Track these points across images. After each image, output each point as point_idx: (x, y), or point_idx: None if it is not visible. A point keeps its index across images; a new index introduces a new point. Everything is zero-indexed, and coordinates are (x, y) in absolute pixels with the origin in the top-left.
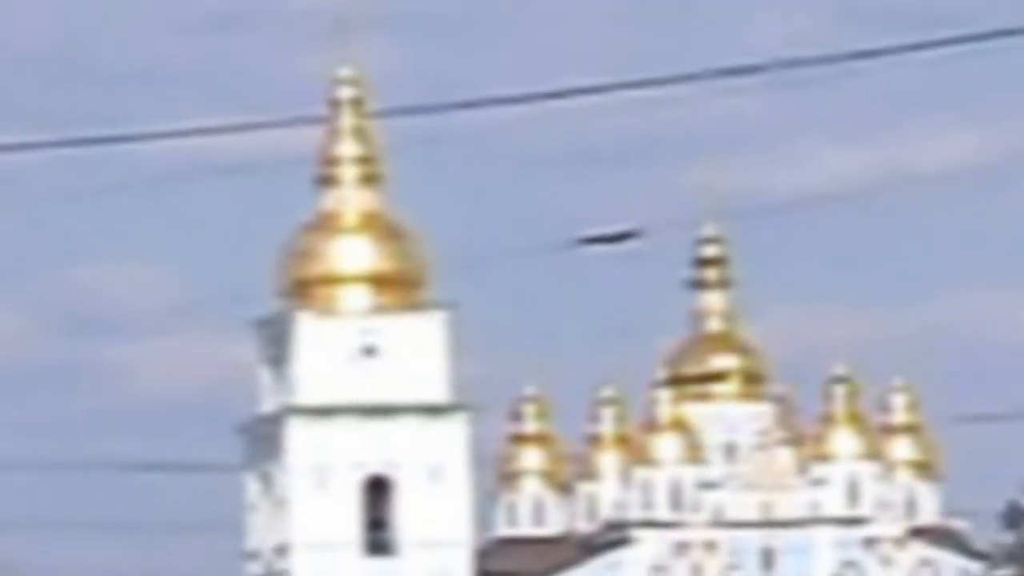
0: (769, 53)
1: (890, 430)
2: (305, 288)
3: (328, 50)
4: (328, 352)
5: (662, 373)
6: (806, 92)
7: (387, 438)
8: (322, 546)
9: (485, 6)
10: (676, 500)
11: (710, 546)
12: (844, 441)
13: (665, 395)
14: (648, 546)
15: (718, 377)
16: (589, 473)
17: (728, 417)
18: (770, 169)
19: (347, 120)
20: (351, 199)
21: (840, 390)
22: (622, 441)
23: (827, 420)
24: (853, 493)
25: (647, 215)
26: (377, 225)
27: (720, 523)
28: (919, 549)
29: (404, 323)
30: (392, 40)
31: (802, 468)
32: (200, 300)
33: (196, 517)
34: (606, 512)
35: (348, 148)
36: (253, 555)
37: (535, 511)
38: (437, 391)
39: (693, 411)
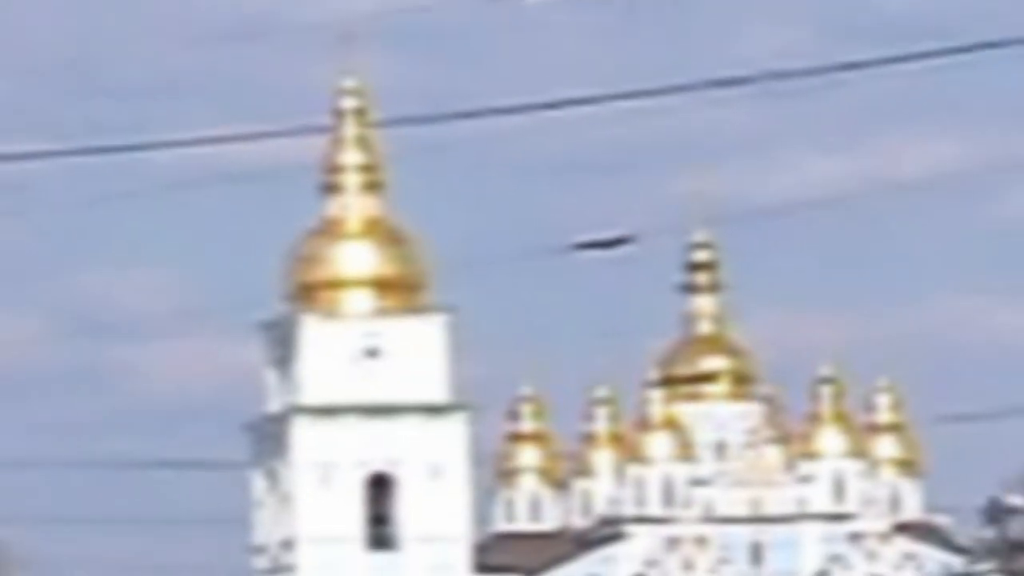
0: (757, 65)
1: (874, 429)
2: (310, 292)
3: (333, 62)
4: (332, 353)
5: (654, 374)
6: (793, 102)
7: (389, 437)
8: (326, 541)
9: (483, 21)
10: (668, 497)
11: (701, 541)
12: (830, 439)
13: (657, 395)
14: (641, 541)
15: (708, 378)
16: (584, 470)
17: (718, 416)
18: (758, 177)
19: (351, 130)
20: (354, 206)
21: (826, 390)
22: (616, 439)
23: (814, 419)
24: (839, 490)
25: (639, 221)
26: (379, 231)
27: (711, 519)
28: (903, 544)
29: (405, 325)
30: (394, 53)
31: (789, 465)
32: (208, 303)
33: (205, 513)
34: (600, 508)
35: (351, 156)
36: (260, 549)
37: (532, 507)
38: (437, 391)
39: (684, 410)
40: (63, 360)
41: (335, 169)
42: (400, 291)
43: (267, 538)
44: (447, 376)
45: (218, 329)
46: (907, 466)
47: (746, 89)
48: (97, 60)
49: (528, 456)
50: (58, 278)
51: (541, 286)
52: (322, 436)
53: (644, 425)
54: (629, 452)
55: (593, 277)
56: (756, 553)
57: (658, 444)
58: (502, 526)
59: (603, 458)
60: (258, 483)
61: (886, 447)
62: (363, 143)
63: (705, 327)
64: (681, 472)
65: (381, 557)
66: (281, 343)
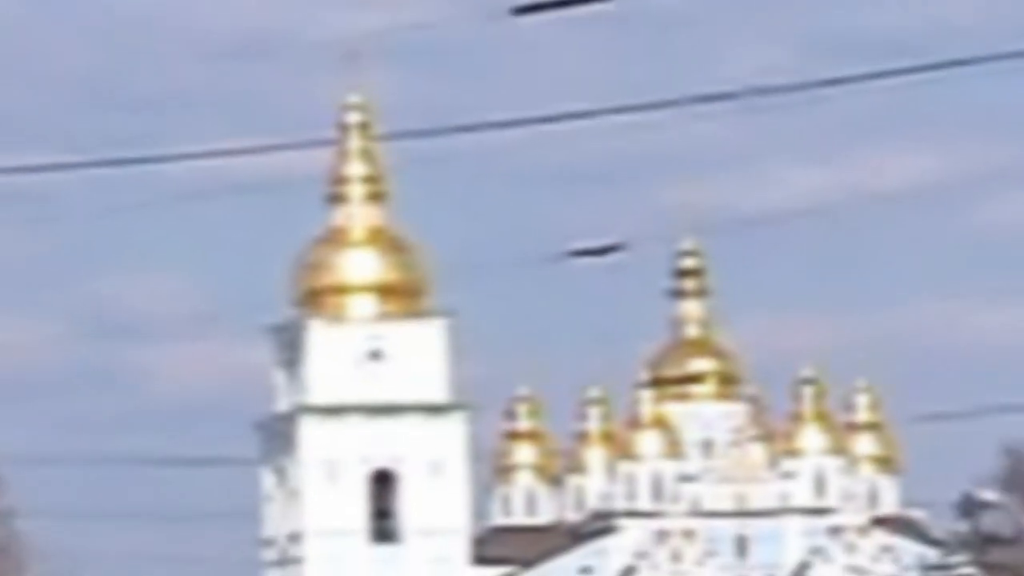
0: (742, 82)
1: (854, 427)
2: (316, 297)
3: (338, 79)
4: (337, 356)
5: (644, 375)
6: (776, 117)
7: (392, 435)
8: (332, 534)
9: (482, 40)
10: (657, 492)
11: (688, 534)
12: (811, 438)
13: (647, 395)
14: (631, 534)
15: (696, 379)
16: (577, 467)
17: (705, 416)
18: (743, 188)
19: (355, 143)
20: (358, 215)
21: (808, 391)
22: (607, 438)
23: (796, 418)
24: (820, 485)
25: (630, 230)
26: (383, 239)
27: (698, 513)
28: (881, 537)
29: (407, 329)
30: (396, 70)
31: (773, 462)
32: (219, 308)
33: (216, 507)
34: (593, 503)
35: (356, 168)
36: (269, 542)
37: (528, 502)
38: (438, 392)
39: (673, 410)
40: (81, 361)
41: (340, 180)
42: (402, 296)
43: (276, 531)
44: (447, 377)
45: (229, 332)
46: (885, 463)
47: (731, 104)
48: (114, 76)
49: (524, 453)
50: (76, 283)
51: (537, 291)
52: (328, 434)
53: (634, 424)
54: (620, 450)
55: (586, 283)
56: (741, 546)
57: (648, 442)
58: (499, 520)
59: (595, 455)
60: (267, 479)
61: (865, 445)
62: (367, 155)
63: (693, 331)
64: (670, 469)
65: (384, 549)
66: (289, 346)
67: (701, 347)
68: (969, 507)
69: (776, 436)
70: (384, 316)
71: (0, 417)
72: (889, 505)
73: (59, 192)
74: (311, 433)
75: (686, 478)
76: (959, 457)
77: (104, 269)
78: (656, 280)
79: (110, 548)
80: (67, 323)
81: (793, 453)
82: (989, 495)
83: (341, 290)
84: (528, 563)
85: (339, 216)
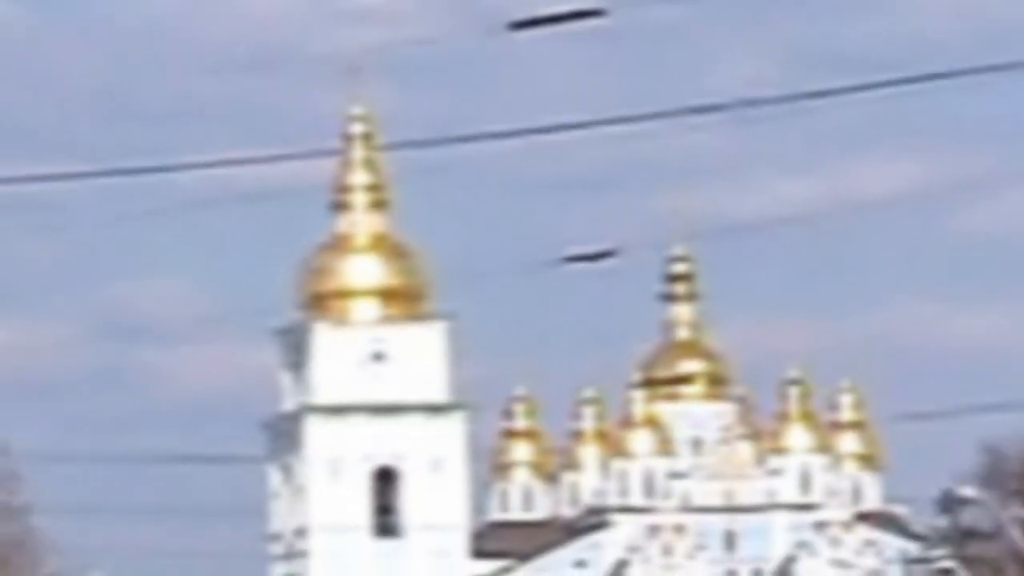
0: (730, 94)
1: (838, 426)
2: (321, 301)
3: (342, 91)
4: (341, 357)
5: (636, 376)
6: (763, 128)
7: (393, 434)
8: (336, 529)
9: (480, 54)
10: (649, 488)
11: (679, 529)
12: (797, 436)
13: (639, 395)
14: (624, 529)
15: (686, 379)
16: (572, 464)
17: (695, 415)
18: (732, 196)
19: (358, 152)
20: (362, 222)
21: (794, 391)
22: (601, 436)
23: (782, 417)
24: (805, 482)
25: (623, 236)
26: (385, 245)
27: (688, 508)
28: (864, 532)
29: (409, 332)
30: (398, 83)
31: (760, 460)
32: (228, 311)
33: (225, 503)
34: (587, 499)
35: (359, 177)
36: (276, 537)
37: (524, 498)
38: (438, 392)
39: (664, 409)
40: (94, 363)
41: (344, 189)
42: (404, 300)
43: (282, 526)
44: (447, 378)
45: (237, 335)
46: (868, 460)
47: (721, 116)
48: (126, 89)
49: (521, 451)
50: (90, 287)
51: (533, 296)
52: (332, 433)
53: (627, 423)
54: (613, 448)
55: (581, 287)
56: (729, 540)
57: (640, 440)
58: (497, 515)
59: (590, 453)
60: (274, 476)
61: (849, 443)
62: (370, 165)
63: (683, 333)
64: (661, 466)
65: (386, 543)
66: (295, 348)
67: (691, 349)
68: (949, 503)
69: (763, 435)
70: (386, 319)
71: (17, 416)
72: (872, 501)
73: (73, 200)
74: (316, 432)
75: (677, 475)
76: (939, 455)
77: (117, 274)
78: (648, 285)
79: (123, 543)
80: (81, 326)
81: (779, 451)
82: (968, 491)
83: (345, 294)
84: (525, 557)
85: (343, 223)
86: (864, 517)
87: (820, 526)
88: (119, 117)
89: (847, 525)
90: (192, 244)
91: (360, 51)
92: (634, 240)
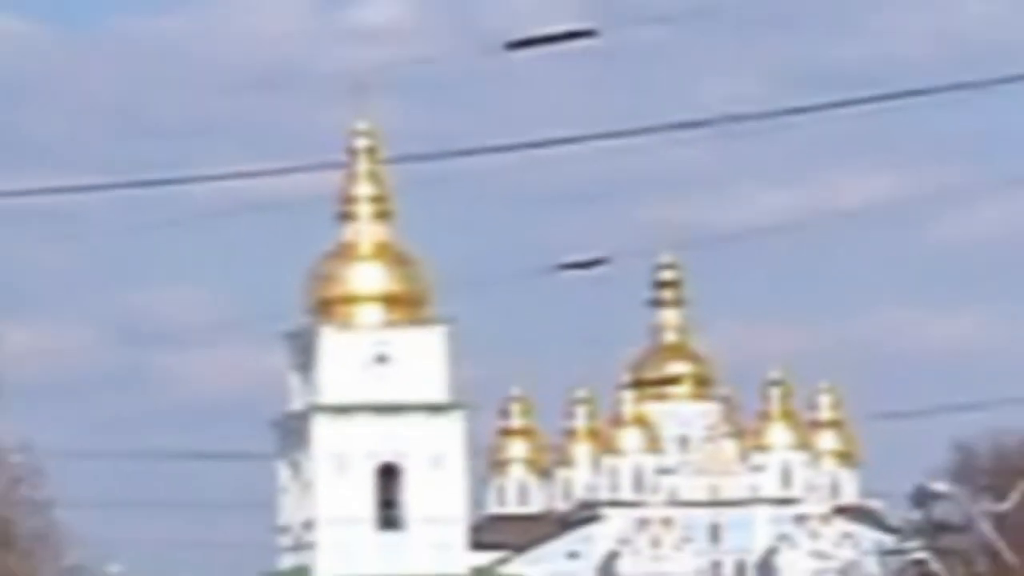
0: (716, 110)
1: (817, 425)
2: (327, 306)
3: (347, 107)
4: (346, 360)
5: (626, 377)
6: (746, 143)
7: (396, 432)
8: (342, 522)
9: (478, 72)
10: (638, 483)
11: (667, 522)
12: (779, 434)
13: (629, 396)
14: (615, 522)
15: (673, 381)
16: (565, 461)
17: (682, 414)
18: (717, 207)
19: (363, 166)
20: (366, 232)
21: (775, 391)
22: (593, 434)
23: (764, 417)
24: (786, 478)
25: (613, 245)
26: (388, 253)
27: (675, 503)
28: (842, 525)
29: (411, 335)
30: (401, 99)
31: (743, 457)
32: (239, 316)
33: (236, 498)
34: (579, 494)
35: (364, 189)
36: (284, 529)
37: (520, 493)
38: (438, 392)
39: (652, 409)
40: (114, 365)
41: (349, 200)
42: (406, 305)
43: (290, 520)
44: (447, 379)
45: (248, 339)
46: (845, 457)
47: (706, 131)
48: (143, 106)
49: (517, 449)
50: (109, 294)
51: (529, 301)
52: (338, 431)
53: (617, 422)
54: (604, 445)
55: (573, 294)
56: (714, 533)
57: (630, 438)
58: (494, 509)
59: (582, 450)
60: (282, 472)
61: (827, 441)
62: (374, 177)
63: (670, 337)
64: (649, 462)
65: (389, 536)
66: (303, 351)
67: (678, 352)
68: (922, 498)
69: (746, 433)
70: (390, 323)
71: (40, 415)
72: (849, 496)
73: (93, 211)
74: (323, 430)
75: (664, 471)
76: (913, 452)
77: (134, 281)
78: (637, 291)
79: (140, 535)
80: (101, 330)
81: (762, 448)
82: (941, 487)
83: (350, 300)
84: (521, 548)
85: (348, 232)
86: (842, 511)
87: (800, 519)
88: (136, 133)
89: (826, 518)
90: (205, 253)
91: (365, 70)
92: (624, 249)
